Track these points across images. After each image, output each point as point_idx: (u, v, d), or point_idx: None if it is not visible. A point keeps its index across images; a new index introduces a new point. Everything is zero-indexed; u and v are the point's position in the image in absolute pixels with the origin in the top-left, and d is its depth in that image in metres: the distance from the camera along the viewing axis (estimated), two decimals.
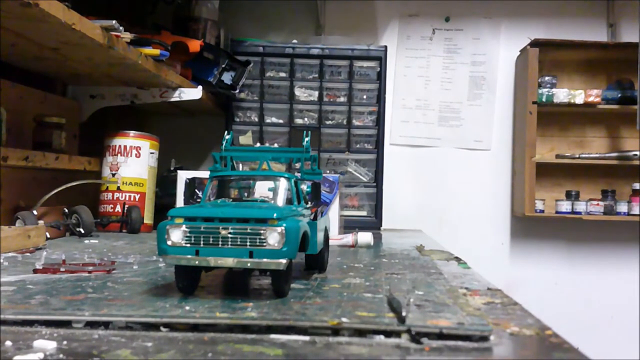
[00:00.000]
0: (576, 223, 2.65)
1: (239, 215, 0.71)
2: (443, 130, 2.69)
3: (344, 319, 0.61)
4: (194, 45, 1.94)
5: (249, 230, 0.70)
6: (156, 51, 1.63)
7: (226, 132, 0.96)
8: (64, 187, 1.55)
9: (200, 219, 0.72)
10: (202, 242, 0.71)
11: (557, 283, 2.70)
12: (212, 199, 0.85)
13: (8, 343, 0.53)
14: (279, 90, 2.31)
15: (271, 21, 2.67)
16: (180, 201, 1.61)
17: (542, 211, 2.61)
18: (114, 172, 1.77)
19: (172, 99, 1.93)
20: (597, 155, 2.62)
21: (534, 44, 2.49)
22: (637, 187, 2.57)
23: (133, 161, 1.79)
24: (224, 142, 0.93)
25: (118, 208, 1.75)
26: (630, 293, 2.63)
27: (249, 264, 0.70)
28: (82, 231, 1.47)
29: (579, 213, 2.57)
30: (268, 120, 2.30)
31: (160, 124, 2.48)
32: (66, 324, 0.60)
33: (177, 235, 0.72)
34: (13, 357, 0.48)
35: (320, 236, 0.90)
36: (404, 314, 0.61)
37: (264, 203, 0.83)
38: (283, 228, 0.70)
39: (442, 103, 2.69)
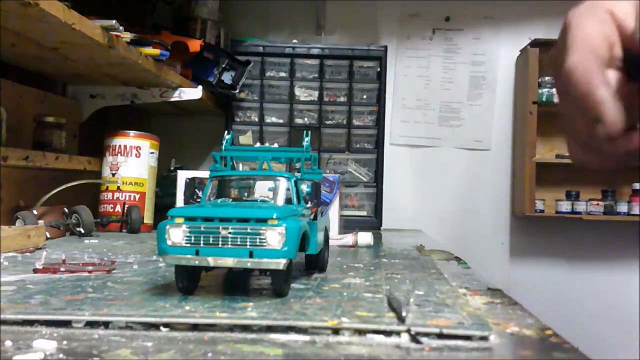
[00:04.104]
0: (576, 223, 2.65)
1: (239, 215, 0.71)
2: (443, 130, 2.69)
3: (344, 319, 0.61)
4: (194, 45, 1.94)
5: (249, 230, 0.70)
6: (156, 51, 1.63)
7: (226, 132, 0.96)
8: (64, 187, 1.55)
9: (200, 219, 0.72)
10: (202, 242, 0.71)
11: (557, 283, 2.70)
12: (212, 198, 0.85)
13: (8, 343, 0.53)
14: (279, 90, 2.31)
15: (271, 21, 2.67)
16: (180, 201, 1.61)
17: (542, 211, 2.61)
18: (114, 172, 1.77)
19: (172, 99, 1.93)
20: None
21: (534, 44, 2.49)
22: (637, 187, 2.57)
23: (133, 161, 1.79)
24: (224, 142, 0.93)
25: (118, 208, 1.75)
26: (630, 293, 2.63)
27: (249, 264, 0.70)
28: (82, 231, 1.47)
29: (579, 213, 2.57)
30: (268, 120, 2.30)
31: (160, 124, 2.48)
32: (66, 323, 0.60)
33: (177, 235, 0.72)
34: (13, 357, 0.48)
35: (320, 236, 0.90)
36: (404, 314, 0.61)
37: (264, 203, 0.83)
38: (283, 228, 0.70)
39: (442, 103, 2.69)
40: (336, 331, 0.59)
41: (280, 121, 2.30)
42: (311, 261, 0.94)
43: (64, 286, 0.78)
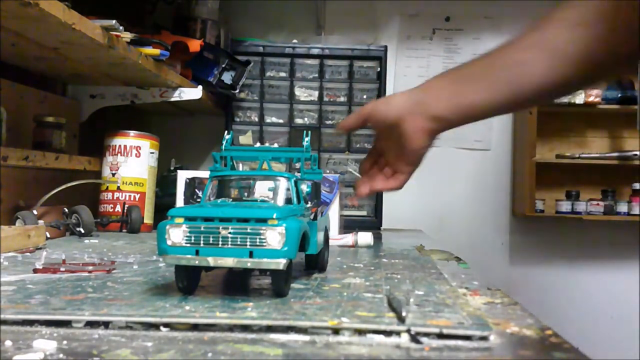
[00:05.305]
0: (576, 223, 2.66)
1: (239, 215, 0.71)
2: None
3: (344, 319, 0.61)
4: (194, 45, 1.94)
5: (249, 230, 0.70)
6: (156, 51, 1.63)
7: (226, 132, 0.96)
8: (64, 186, 1.55)
9: (200, 219, 0.72)
10: (202, 242, 0.71)
11: (557, 283, 2.70)
12: (212, 198, 0.85)
13: (8, 343, 0.53)
14: (279, 90, 2.31)
15: (271, 21, 2.68)
16: (180, 201, 1.61)
17: (542, 211, 2.61)
18: (114, 172, 1.77)
19: (172, 99, 1.93)
20: (597, 155, 2.62)
21: None
22: (637, 187, 2.57)
23: (133, 161, 1.79)
24: (224, 142, 0.93)
25: (118, 208, 1.75)
26: (630, 293, 2.63)
27: (249, 264, 0.70)
28: (82, 231, 1.47)
29: (579, 213, 2.57)
30: (268, 120, 2.30)
31: (160, 124, 2.48)
32: (66, 323, 0.60)
33: (177, 235, 0.71)
34: (13, 356, 0.48)
35: (320, 236, 0.90)
36: (404, 313, 0.61)
37: (264, 203, 0.83)
38: (283, 228, 0.70)
39: None
40: (336, 331, 0.59)
41: (280, 121, 2.30)
42: (311, 261, 0.94)
43: (64, 286, 0.78)
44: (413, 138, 0.95)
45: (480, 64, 0.93)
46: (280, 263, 0.70)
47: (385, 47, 2.32)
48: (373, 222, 2.23)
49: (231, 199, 0.86)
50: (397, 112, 0.94)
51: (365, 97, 2.32)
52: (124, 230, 1.69)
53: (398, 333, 0.58)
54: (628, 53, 0.86)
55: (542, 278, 2.70)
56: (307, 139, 0.95)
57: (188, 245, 0.71)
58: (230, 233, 0.70)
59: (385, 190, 1.04)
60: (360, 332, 0.58)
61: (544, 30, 0.89)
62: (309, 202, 0.89)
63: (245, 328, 0.59)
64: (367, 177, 1.03)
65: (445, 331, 0.57)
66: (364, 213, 2.27)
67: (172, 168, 2.07)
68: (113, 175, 1.77)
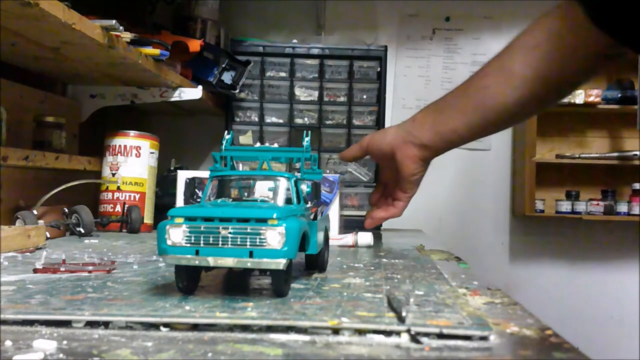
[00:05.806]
0: (576, 223, 2.66)
1: (239, 215, 0.71)
2: None
3: (344, 319, 0.61)
4: (194, 45, 1.94)
5: (249, 230, 0.70)
6: (156, 51, 1.63)
7: (226, 132, 0.96)
8: (64, 186, 1.55)
9: (200, 219, 0.72)
10: (202, 242, 0.71)
11: (557, 283, 2.70)
12: (212, 198, 0.85)
13: (8, 343, 0.53)
14: (279, 90, 2.31)
15: (271, 21, 2.68)
16: (180, 201, 1.61)
17: (542, 211, 2.61)
18: (114, 172, 1.77)
19: (172, 99, 1.93)
20: (597, 155, 2.62)
21: None
22: (637, 187, 2.57)
23: (133, 161, 1.79)
24: (224, 142, 0.93)
25: (118, 208, 1.75)
26: (631, 293, 2.63)
27: (249, 264, 0.70)
28: (82, 231, 1.47)
29: (579, 213, 2.57)
30: (268, 120, 2.30)
31: (160, 124, 2.48)
32: (66, 323, 0.60)
33: (177, 235, 0.71)
34: (13, 356, 0.48)
35: (320, 236, 0.90)
36: (404, 313, 0.61)
37: (264, 203, 0.83)
38: (283, 228, 0.70)
39: None
40: (336, 331, 0.59)
41: (280, 121, 2.30)
42: (311, 261, 0.94)
43: (64, 286, 0.78)
44: (405, 165, 1.07)
45: (454, 93, 1.04)
46: (280, 263, 0.70)
47: (385, 47, 2.32)
48: None
49: (231, 199, 0.86)
50: (391, 142, 1.07)
51: (365, 97, 2.32)
52: (124, 230, 1.69)
53: (398, 333, 0.58)
54: (576, 71, 0.92)
55: (542, 278, 2.70)
56: (307, 139, 0.95)
57: (188, 245, 0.71)
58: (230, 233, 0.70)
59: (386, 218, 1.13)
60: (360, 332, 0.58)
61: (504, 56, 0.99)
62: (309, 202, 0.89)
63: (245, 328, 0.59)
64: (375, 208, 1.15)
65: (445, 331, 0.57)
66: (364, 213, 2.26)
67: (172, 168, 2.07)
68: (113, 175, 1.77)
